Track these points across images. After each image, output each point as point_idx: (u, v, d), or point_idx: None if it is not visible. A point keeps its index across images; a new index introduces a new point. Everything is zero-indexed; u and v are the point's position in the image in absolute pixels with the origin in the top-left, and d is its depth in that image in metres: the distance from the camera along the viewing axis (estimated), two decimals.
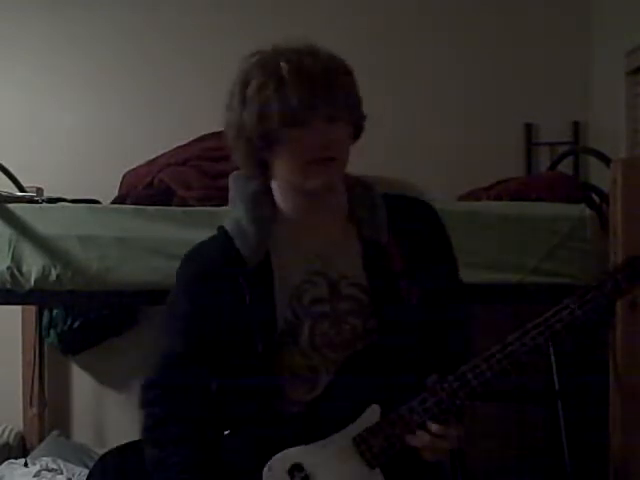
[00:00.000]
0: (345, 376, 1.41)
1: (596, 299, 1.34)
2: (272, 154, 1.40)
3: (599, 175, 2.49)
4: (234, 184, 1.54)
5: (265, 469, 1.37)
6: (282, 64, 1.35)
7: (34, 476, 2.60)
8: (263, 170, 1.44)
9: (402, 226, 1.48)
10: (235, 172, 1.54)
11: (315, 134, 1.36)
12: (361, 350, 1.42)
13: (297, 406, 1.43)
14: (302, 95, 1.33)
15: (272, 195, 1.49)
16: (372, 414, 1.38)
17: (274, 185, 1.48)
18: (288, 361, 1.44)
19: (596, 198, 2.31)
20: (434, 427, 1.34)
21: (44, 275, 2.11)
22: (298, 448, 1.38)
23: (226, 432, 1.50)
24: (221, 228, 1.51)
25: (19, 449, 3.01)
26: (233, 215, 1.51)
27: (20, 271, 2.11)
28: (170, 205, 2.31)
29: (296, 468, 1.37)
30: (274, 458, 1.37)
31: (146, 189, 2.47)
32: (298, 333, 1.43)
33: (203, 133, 2.65)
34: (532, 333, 1.35)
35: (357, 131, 1.47)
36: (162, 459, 1.43)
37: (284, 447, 1.38)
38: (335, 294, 1.44)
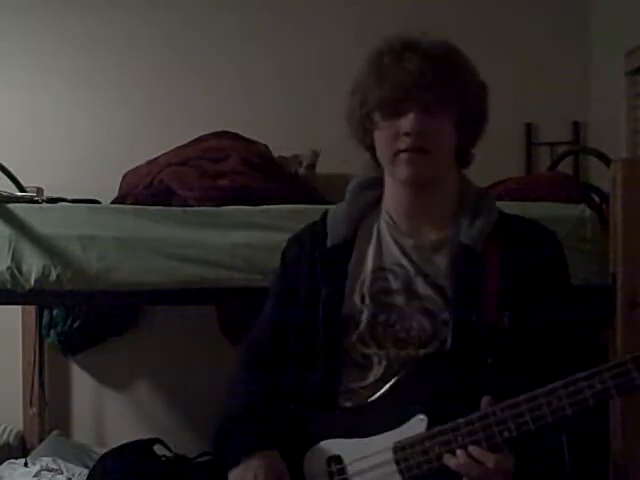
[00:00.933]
0: (402, 379, 1.37)
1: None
2: (373, 140, 1.45)
3: (599, 175, 2.49)
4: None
5: (308, 453, 1.38)
6: (386, 55, 1.41)
7: (34, 476, 2.60)
8: (374, 157, 1.49)
9: (512, 244, 1.43)
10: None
11: (407, 123, 1.38)
12: (424, 357, 1.38)
13: (347, 394, 1.42)
14: (398, 84, 1.38)
15: (381, 185, 1.52)
16: (418, 424, 1.32)
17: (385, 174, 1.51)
18: (346, 343, 1.44)
19: (596, 198, 2.30)
20: (475, 450, 1.25)
21: (44, 275, 2.10)
22: (341, 440, 1.37)
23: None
24: (326, 212, 1.57)
25: (19, 449, 3.01)
26: None
27: (20, 271, 2.11)
28: (170, 205, 2.31)
29: (334, 459, 1.37)
30: (317, 445, 1.38)
31: (146, 189, 2.46)
32: (360, 318, 1.44)
33: (203, 133, 2.65)
34: (605, 375, 1.21)
35: (470, 130, 1.48)
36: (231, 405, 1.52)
37: (329, 436, 1.38)
38: (409, 290, 1.43)
